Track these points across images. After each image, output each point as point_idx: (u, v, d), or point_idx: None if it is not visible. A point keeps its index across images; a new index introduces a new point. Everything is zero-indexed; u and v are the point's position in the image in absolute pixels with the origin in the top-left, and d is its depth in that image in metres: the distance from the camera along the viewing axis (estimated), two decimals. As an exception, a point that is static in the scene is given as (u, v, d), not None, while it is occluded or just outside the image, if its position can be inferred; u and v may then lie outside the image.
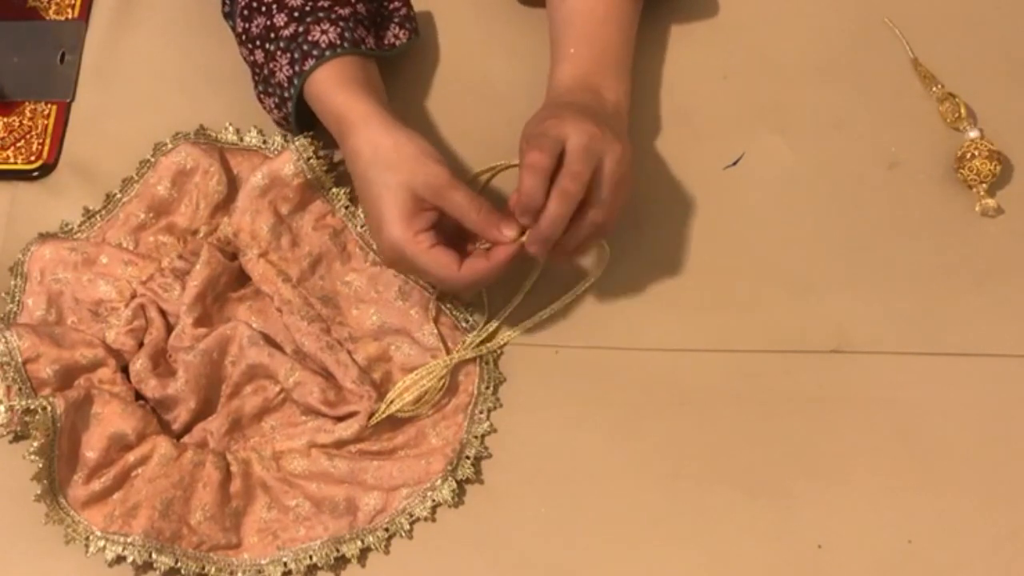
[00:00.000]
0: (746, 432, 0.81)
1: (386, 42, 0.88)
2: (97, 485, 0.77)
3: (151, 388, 0.80)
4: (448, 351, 0.82)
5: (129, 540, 0.76)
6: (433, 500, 0.79)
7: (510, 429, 0.82)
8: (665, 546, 0.78)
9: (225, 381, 0.82)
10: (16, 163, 0.91)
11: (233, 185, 0.87)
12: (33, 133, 0.92)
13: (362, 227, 0.86)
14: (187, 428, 0.81)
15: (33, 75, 0.95)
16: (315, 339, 0.81)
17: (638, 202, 0.86)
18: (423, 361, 0.82)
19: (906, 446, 0.80)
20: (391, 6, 0.90)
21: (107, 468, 0.78)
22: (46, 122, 0.93)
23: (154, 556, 0.76)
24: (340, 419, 0.80)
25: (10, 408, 0.80)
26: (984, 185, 0.87)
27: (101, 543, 0.76)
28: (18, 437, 0.82)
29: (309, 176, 0.86)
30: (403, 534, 0.79)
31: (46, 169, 0.91)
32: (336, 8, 0.83)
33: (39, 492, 0.76)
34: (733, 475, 0.80)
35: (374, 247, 0.86)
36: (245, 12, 0.85)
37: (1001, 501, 0.79)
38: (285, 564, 0.77)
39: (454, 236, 0.79)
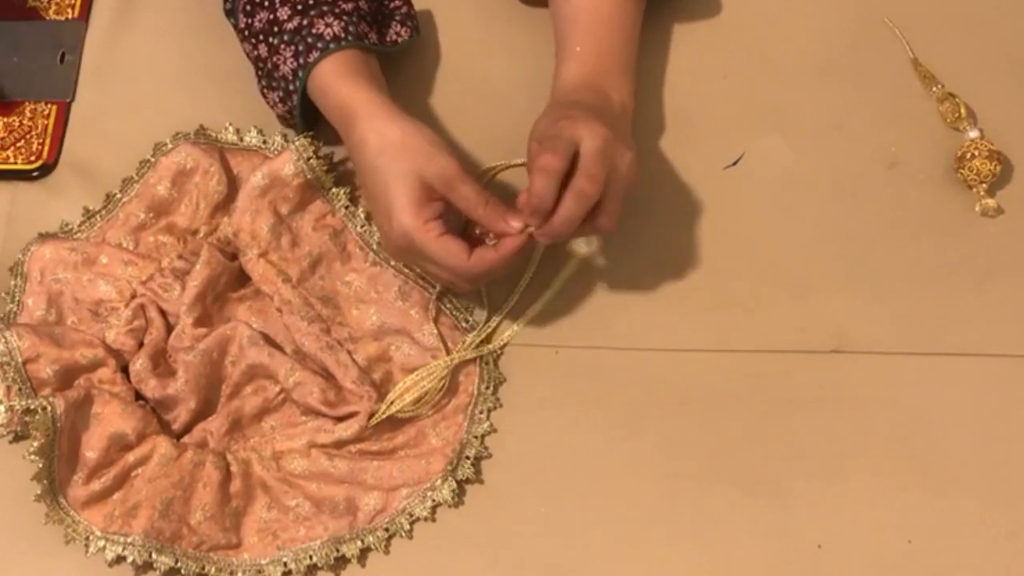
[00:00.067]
0: (746, 432, 0.81)
1: (388, 39, 0.88)
2: (97, 485, 0.78)
3: (151, 388, 0.80)
4: (448, 351, 0.82)
5: (129, 540, 0.76)
6: (433, 500, 0.79)
7: (510, 429, 0.82)
8: (665, 546, 0.78)
9: (225, 381, 0.82)
10: (16, 163, 0.91)
11: (233, 185, 0.87)
12: (33, 133, 0.92)
13: (362, 227, 0.86)
14: (187, 428, 0.81)
15: (33, 75, 0.95)
16: (315, 339, 0.81)
17: (638, 202, 0.86)
18: (423, 361, 0.82)
19: (906, 446, 0.80)
20: (392, 4, 0.90)
21: (107, 468, 0.78)
22: (46, 122, 0.93)
23: (154, 556, 0.76)
24: (340, 419, 0.80)
25: (10, 408, 0.80)
26: (984, 185, 0.87)
27: (101, 543, 0.76)
28: (18, 437, 0.82)
29: (309, 176, 0.86)
30: (403, 534, 0.79)
31: (46, 169, 0.91)
32: (339, 3, 0.83)
33: (39, 492, 0.76)
34: (733, 475, 0.80)
35: (374, 247, 0.86)
36: (247, 7, 0.85)
37: (1001, 501, 0.79)
38: (285, 564, 0.77)
39: (456, 231, 0.79)
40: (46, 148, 0.92)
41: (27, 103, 0.94)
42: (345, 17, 0.82)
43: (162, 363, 0.82)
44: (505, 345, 0.84)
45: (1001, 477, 0.79)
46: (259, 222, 0.84)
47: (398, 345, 0.83)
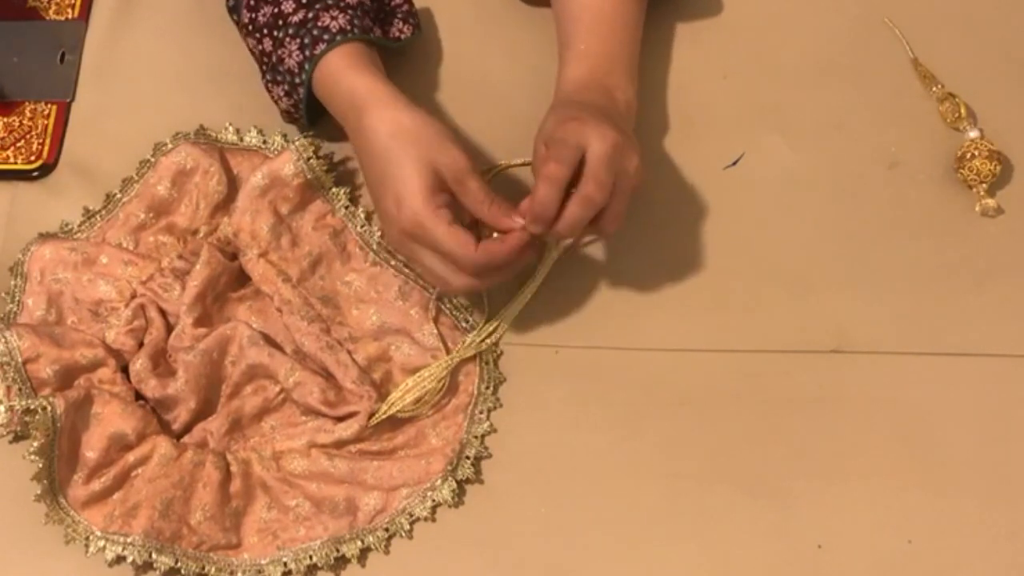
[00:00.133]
0: (746, 432, 0.81)
1: (391, 36, 0.88)
2: (97, 485, 0.77)
3: (151, 388, 0.80)
4: (448, 351, 0.82)
5: (129, 540, 0.76)
6: (433, 500, 0.79)
7: (510, 429, 0.82)
8: (665, 546, 0.78)
9: (225, 381, 0.82)
10: (16, 163, 0.91)
11: (233, 185, 0.87)
12: (33, 133, 0.92)
13: (362, 227, 0.86)
14: (187, 428, 0.81)
15: (33, 75, 0.95)
16: (315, 339, 0.81)
17: (638, 201, 0.86)
18: (423, 361, 0.82)
19: (906, 446, 0.80)
20: (394, 2, 0.90)
21: (107, 468, 0.78)
22: (46, 122, 0.93)
23: (154, 556, 0.76)
24: (340, 419, 0.80)
25: (10, 408, 0.80)
26: (984, 185, 0.87)
27: (101, 543, 0.76)
28: (18, 437, 0.82)
29: (309, 176, 0.86)
30: (403, 534, 0.79)
31: (46, 169, 0.91)
32: None
33: (39, 492, 0.76)
34: (733, 475, 0.80)
35: (374, 247, 0.86)
36: (251, 2, 0.85)
37: (1001, 501, 0.79)
38: (285, 564, 0.77)
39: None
40: (46, 148, 0.92)
41: (27, 103, 0.94)
42: (350, 11, 0.83)
43: (162, 363, 0.82)
44: (498, 342, 0.84)
45: (1001, 477, 0.79)
46: (259, 222, 0.84)
47: (398, 345, 0.83)
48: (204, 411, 0.81)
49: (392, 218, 0.77)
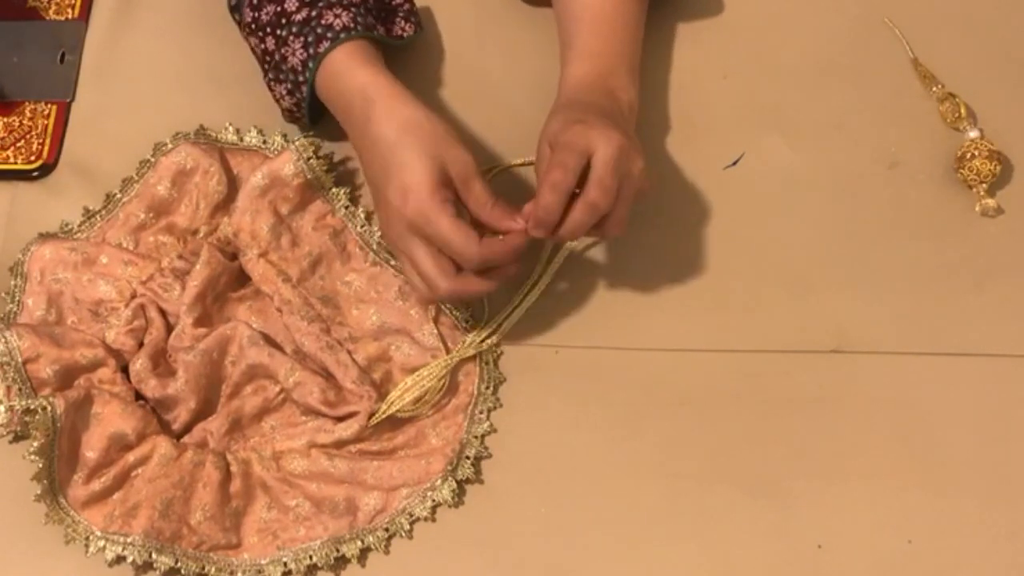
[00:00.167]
0: (746, 432, 0.81)
1: (393, 34, 0.88)
2: (97, 485, 0.77)
3: (151, 388, 0.80)
4: (448, 351, 0.82)
5: (129, 540, 0.76)
6: (433, 500, 0.79)
7: (510, 429, 0.82)
8: (665, 546, 0.78)
9: (225, 381, 0.82)
10: (16, 163, 0.91)
11: (233, 185, 0.87)
12: (33, 133, 0.92)
13: (362, 227, 0.86)
14: (187, 428, 0.81)
15: (33, 75, 0.95)
16: (315, 339, 0.81)
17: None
18: (423, 361, 0.82)
19: (906, 446, 0.80)
20: (395, 1, 0.90)
21: (107, 468, 0.78)
22: (46, 122, 0.93)
23: (154, 556, 0.76)
24: (340, 419, 0.80)
25: (10, 408, 0.80)
26: (984, 185, 0.87)
27: (101, 543, 0.76)
28: (18, 437, 0.82)
29: (309, 176, 0.86)
30: (403, 534, 0.79)
31: (46, 169, 0.91)
32: None
33: (39, 492, 0.76)
34: (733, 475, 0.80)
35: (374, 247, 0.86)
36: (254, 1, 0.85)
37: (1001, 501, 0.79)
38: (285, 564, 0.77)
39: None
40: (46, 148, 0.92)
41: (27, 103, 0.94)
42: (353, 9, 0.83)
43: (162, 363, 0.82)
44: (498, 342, 0.84)
45: (1001, 477, 0.79)
46: (259, 222, 0.84)
47: (398, 345, 0.83)
48: (204, 411, 0.81)
49: (395, 208, 0.76)
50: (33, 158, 0.91)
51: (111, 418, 0.78)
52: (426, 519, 0.79)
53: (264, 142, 0.89)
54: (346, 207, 0.87)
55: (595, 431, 0.81)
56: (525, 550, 0.78)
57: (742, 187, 0.89)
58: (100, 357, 0.81)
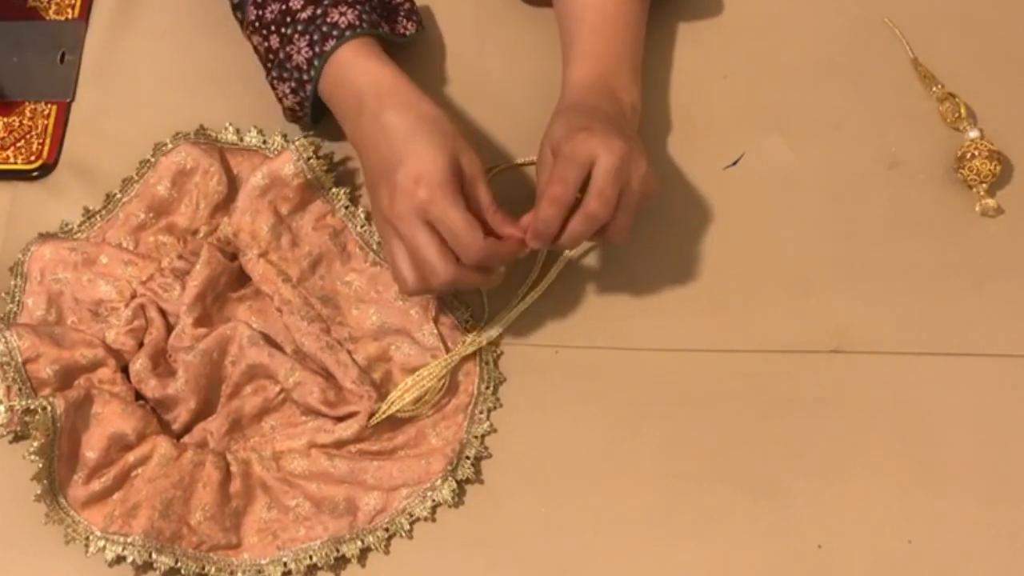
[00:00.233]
0: (746, 432, 0.81)
1: (397, 32, 0.88)
2: (97, 485, 0.77)
3: (151, 388, 0.80)
4: (448, 351, 0.82)
5: (129, 540, 0.76)
6: (433, 500, 0.79)
7: (510, 429, 0.82)
8: (665, 546, 0.78)
9: (225, 381, 0.82)
10: (16, 163, 0.91)
11: (233, 185, 0.87)
12: (33, 133, 0.92)
13: (362, 227, 0.86)
14: (187, 428, 0.81)
15: (33, 75, 0.95)
16: (315, 339, 0.81)
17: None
18: (423, 361, 0.82)
19: (906, 446, 0.80)
20: (395, 0, 0.90)
21: (107, 468, 0.78)
22: (46, 122, 0.93)
23: (154, 556, 0.76)
24: (340, 419, 0.80)
25: (10, 408, 0.80)
26: (984, 185, 0.87)
27: (101, 543, 0.76)
28: (18, 437, 0.82)
29: (309, 176, 0.86)
30: (403, 534, 0.79)
31: (46, 169, 0.91)
32: None
33: (39, 492, 0.76)
34: (733, 475, 0.80)
35: (374, 247, 0.86)
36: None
37: (1001, 501, 0.79)
38: (285, 564, 0.77)
39: None
40: (46, 148, 0.92)
41: (27, 103, 0.94)
42: (358, 6, 0.83)
43: (162, 363, 0.82)
44: (498, 342, 0.84)
45: (1001, 477, 0.79)
46: (259, 222, 0.84)
47: (398, 345, 0.83)
48: (204, 411, 0.81)
49: (405, 191, 0.75)
50: (33, 158, 0.91)
51: (111, 418, 0.78)
52: (426, 519, 0.79)
53: (264, 142, 0.89)
54: (346, 207, 0.87)
55: (595, 431, 0.81)
56: (525, 550, 0.78)
57: (742, 187, 0.89)
58: (100, 357, 0.81)
